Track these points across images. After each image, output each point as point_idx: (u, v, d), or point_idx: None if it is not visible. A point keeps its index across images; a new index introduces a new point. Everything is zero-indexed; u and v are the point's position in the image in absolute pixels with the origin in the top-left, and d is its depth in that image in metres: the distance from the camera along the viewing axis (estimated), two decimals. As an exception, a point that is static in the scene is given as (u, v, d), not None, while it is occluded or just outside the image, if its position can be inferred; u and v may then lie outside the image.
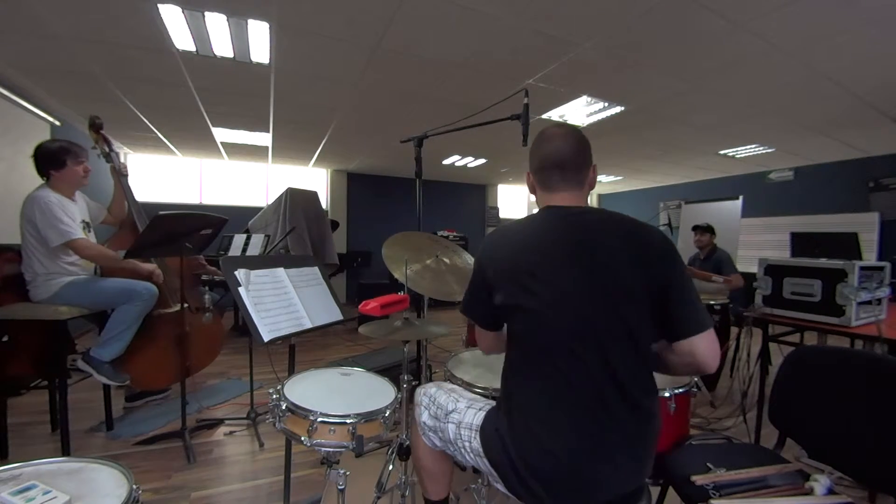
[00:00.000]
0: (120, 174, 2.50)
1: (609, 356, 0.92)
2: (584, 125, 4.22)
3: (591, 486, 0.92)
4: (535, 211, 1.13)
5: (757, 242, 6.41)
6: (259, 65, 2.95)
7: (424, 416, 1.23)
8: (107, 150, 2.45)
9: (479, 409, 1.12)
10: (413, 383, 1.63)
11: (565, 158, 1.07)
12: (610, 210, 1.05)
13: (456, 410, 1.15)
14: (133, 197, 2.54)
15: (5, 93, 3.27)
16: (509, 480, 0.98)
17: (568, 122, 4.13)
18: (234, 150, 5.82)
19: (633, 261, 0.94)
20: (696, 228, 3.88)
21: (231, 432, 2.52)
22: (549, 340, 0.95)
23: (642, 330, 0.93)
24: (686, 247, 6.52)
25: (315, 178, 7.40)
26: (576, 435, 0.92)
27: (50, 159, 2.19)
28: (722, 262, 3.65)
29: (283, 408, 1.27)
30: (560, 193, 1.08)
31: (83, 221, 2.30)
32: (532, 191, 1.17)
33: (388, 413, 1.31)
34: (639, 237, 0.98)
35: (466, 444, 1.08)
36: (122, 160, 2.48)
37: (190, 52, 2.76)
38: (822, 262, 1.98)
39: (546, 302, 0.95)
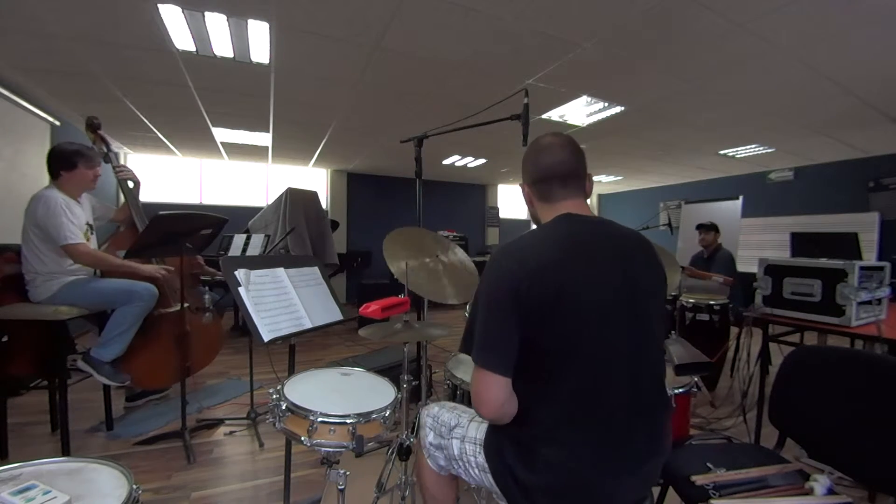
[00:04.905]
0: (118, 174, 2.49)
1: (641, 369, 0.92)
2: (584, 125, 4.22)
3: (600, 500, 0.89)
4: (543, 222, 1.04)
5: (757, 242, 6.40)
6: (259, 65, 2.95)
7: (430, 437, 1.18)
8: (104, 150, 2.45)
9: (482, 422, 1.08)
10: (413, 383, 1.63)
11: (568, 169, 1.01)
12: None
13: (459, 425, 1.12)
14: (132, 197, 2.53)
15: (5, 93, 3.27)
16: (513, 495, 0.94)
17: (568, 122, 4.13)
18: (234, 150, 5.81)
19: (660, 273, 0.98)
20: (700, 227, 3.86)
21: (231, 432, 2.52)
22: (581, 357, 0.88)
23: (662, 342, 0.95)
24: (686, 247, 6.54)
25: (315, 178, 7.40)
26: (590, 451, 0.88)
27: (63, 160, 2.22)
28: (723, 261, 3.65)
29: (283, 408, 1.27)
30: (564, 202, 1.01)
31: (87, 224, 2.31)
32: (529, 202, 1.10)
33: (388, 413, 1.30)
34: (651, 249, 1.01)
35: (472, 458, 1.06)
36: (122, 160, 2.49)
37: (190, 52, 2.75)
38: (822, 262, 1.98)
39: (588, 317, 0.88)
